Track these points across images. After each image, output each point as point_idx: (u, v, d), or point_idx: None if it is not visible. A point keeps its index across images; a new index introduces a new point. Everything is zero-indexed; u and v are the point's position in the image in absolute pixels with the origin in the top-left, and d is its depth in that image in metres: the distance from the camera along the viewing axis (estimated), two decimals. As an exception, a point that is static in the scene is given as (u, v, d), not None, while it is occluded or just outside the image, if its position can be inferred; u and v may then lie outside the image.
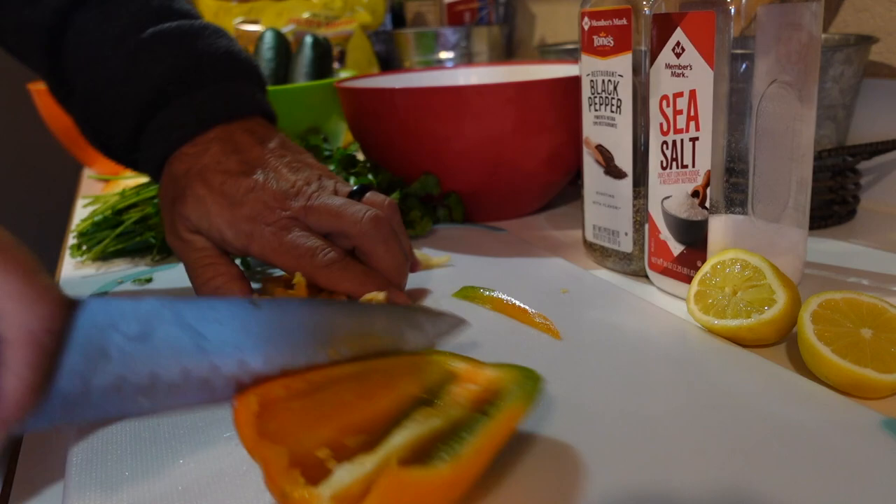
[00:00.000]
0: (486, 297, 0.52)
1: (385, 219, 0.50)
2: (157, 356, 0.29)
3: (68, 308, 0.28)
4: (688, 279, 0.51)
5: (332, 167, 0.75)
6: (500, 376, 0.34)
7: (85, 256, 0.68)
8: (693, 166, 0.49)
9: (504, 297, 0.52)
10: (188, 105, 0.51)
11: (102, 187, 0.98)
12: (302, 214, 0.48)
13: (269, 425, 0.30)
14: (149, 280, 0.61)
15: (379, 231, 0.49)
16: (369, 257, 0.49)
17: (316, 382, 0.33)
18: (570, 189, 0.81)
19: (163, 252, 0.67)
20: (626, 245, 0.57)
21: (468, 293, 0.53)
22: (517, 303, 0.51)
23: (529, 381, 0.34)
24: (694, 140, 0.48)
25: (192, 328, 0.29)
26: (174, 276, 0.61)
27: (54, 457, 0.39)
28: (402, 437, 0.31)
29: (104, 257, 0.68)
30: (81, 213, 0.85)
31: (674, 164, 0.50)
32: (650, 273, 0.55)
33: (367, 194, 0.52)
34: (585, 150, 0.59)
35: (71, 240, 0.73)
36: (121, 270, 0.64)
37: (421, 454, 0.30)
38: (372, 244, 0.49)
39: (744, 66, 0.46)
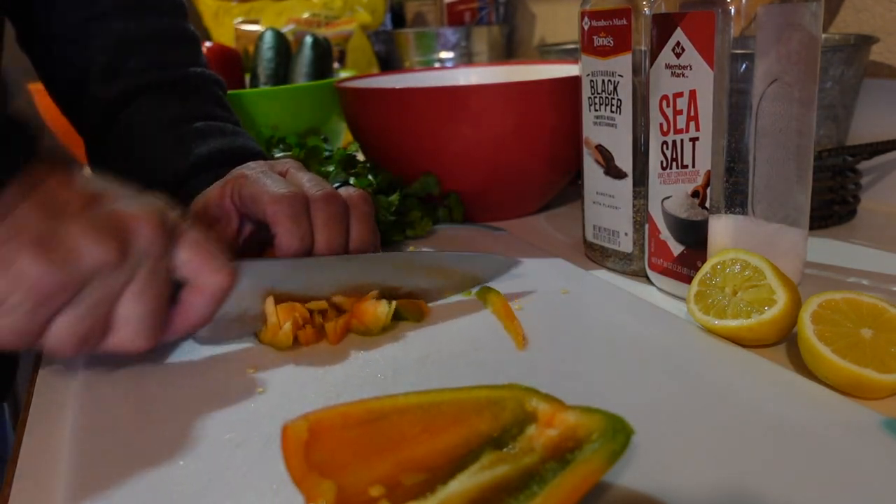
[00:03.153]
0: (493, 298, 0.52)
1: (300, 196, 0.49)
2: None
3: (234, 275, 0.44)
4: (688, 279, 0.51)
5: (331, 167, 0.75)
6: (583, 423, 0.31)
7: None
8: (693, 166, 0.49)
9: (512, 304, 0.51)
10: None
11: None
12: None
13: (320, 455, 0.28)
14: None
15: (290, 207, 0.49)
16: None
17: (376, 411, 0.30)
18: (570, 189, 0.81)
19: None
20: (626, 245, 0.57)
21: (482, 294, 0.53)
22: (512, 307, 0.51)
23: (617, 434, 0.30)
24: (694, 140, 0.48)
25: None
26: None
27: (54, 460, 0.39)
28: (464, 483, 0.28)
29: None
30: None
31: (674, 164, 0.50)
32: (650, 273, 0.55)
33: (342, 188, 0.54)
34: (585, 150, 0.59)
35: None
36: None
37: None
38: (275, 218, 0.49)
39: (744, 66, 0.46)
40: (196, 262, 0.42)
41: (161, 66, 0.64)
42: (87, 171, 0.67)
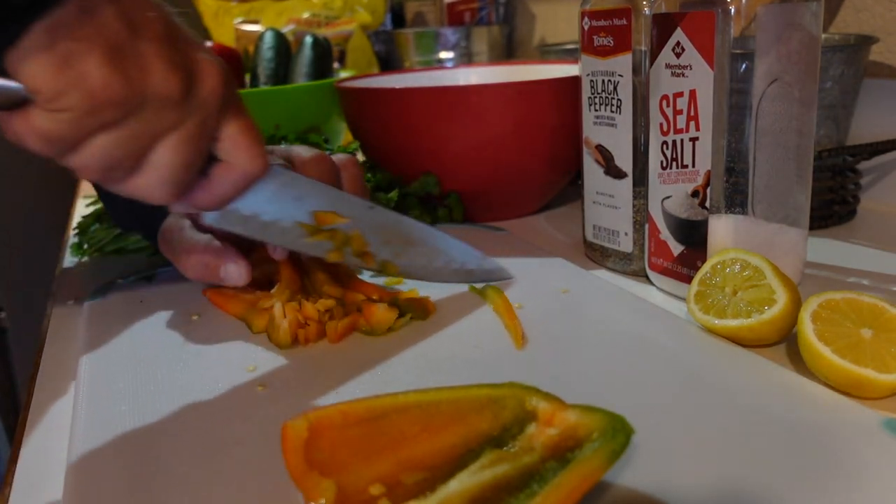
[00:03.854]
0: (494, 296, 0.52)
1: (289, 164, 0.50)
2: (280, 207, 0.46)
3: (266, 166, 0.43)
4: (688, 279, 0.51)
5: None
6: (583, 422, 0.31)
7: (86, 256, 0.68)
8: (693, 166, 0.49)
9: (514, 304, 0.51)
10: None
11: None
12: None
13: (320, 454, 0.28)
14: (150, 278, 0.61)
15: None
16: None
17: (376, 410, 0.30)
18: (570, 189, 0.81)
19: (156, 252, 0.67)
20: (626, 245, 0.57)
21: (485, 292, 0.53)
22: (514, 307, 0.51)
23: (617, 434, 0.30)
24: (694, 140, 0.48)
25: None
26: (175, 273, 0.61)
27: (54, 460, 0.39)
28: (464, 482, 0.28)
29: (104, 254, 0.68)
30: (83, 211, 0.85)
31: (674, 164, 0.50)
32: (650, 273, 0.55)
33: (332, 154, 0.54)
34: (585, 150, 0.59)
35: (72, 237, 0.73)
36: (121, 266, 0.64)
37: None
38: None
39: (744, 66, 0.46)
40: (239, 139, 0.42)
41: None
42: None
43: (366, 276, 0.55)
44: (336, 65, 1.26)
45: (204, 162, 0.41)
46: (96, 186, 0.66)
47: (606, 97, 0.55)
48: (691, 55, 0.47)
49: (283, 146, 0.54)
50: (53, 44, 0.32)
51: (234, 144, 0.41)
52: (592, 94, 0.57)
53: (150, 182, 0.39)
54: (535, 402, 0.32)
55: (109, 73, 0.34)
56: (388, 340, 0.47)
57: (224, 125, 0.41)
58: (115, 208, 0.62)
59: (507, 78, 0.86)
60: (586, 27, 0.56)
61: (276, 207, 0.46)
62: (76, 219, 0.84)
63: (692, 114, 0.48)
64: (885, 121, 0.72)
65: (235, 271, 0.50)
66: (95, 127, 0.35)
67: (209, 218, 0.46)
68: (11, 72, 0.33)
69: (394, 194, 0.68)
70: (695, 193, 0.49)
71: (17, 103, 0.33)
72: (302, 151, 0.52)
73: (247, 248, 0.53)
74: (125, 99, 0.35)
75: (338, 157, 0.54)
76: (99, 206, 0.74)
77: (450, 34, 1.32)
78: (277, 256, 0.51)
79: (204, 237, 0.52)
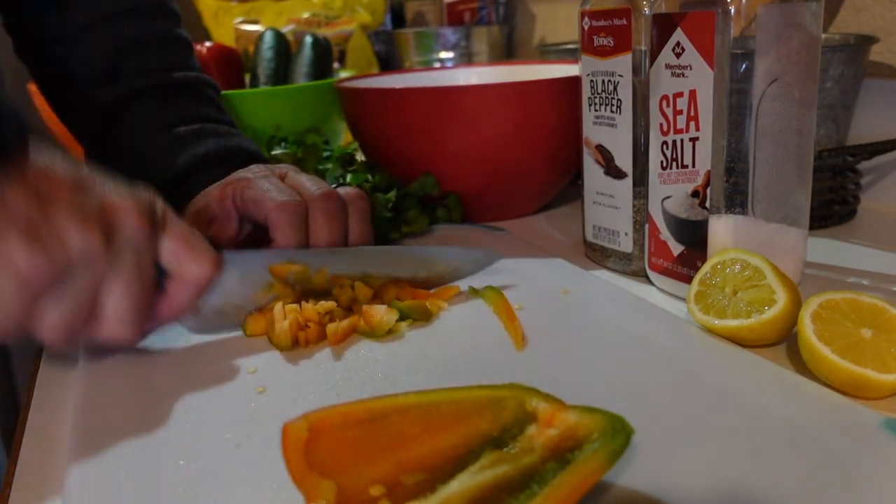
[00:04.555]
0: (494, 297, 0.52)
1: (301, 205, 0.51)
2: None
3: (218, 266, 0.45)
4: (688, 279, 0.51)
5: (329, 165, 0.76)
6: (583, 423, 0.31)
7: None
8: (693, 166, 0.49)
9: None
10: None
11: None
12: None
13: (320, 455, 0.28)
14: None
15: (291, 216, 0.51)
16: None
17: (377, 411, 0.30)
18: (570, 189, 0.81)
19: None
20: (626, 245, 0.57)
21: (484, 293, 0.53)
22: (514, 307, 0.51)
23: (617, 434, 0.30)
24: (694, 140, 0.48)
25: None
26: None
27: (54, 462, 0.39)
28: (465, 483, 0.28)
29: None
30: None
31: (674, 164, 0.50)
32: (650, 273, 0.55)
33: (340, 187, 0.55)
34: (585, 150, 0.59)
35: None
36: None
37: None
38: (275, 225, 0.51)
39: (744, 66, 0.46)
40: (180, 252, 0.43)
41: (156, 71, 0.65)
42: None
43: None
44: (336, 65, 1.27)
45: (155, 281, 0.43)
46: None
47: (606, 97, 0.55)
48: (691, 55, 0.47)
49: (292, 174, 0.55)
50: None
51: (176, 258, 0.43)
52: (592, 94, 0.57)
53: (112, 325, 0.41)
54: (535, 402, 0.32)
55: (30, 252, 0.36)
56: (388, 342, 0.47)
57: (160, 245, 0.43)
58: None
59: (507, 78, 0.86)
60: (586, 27, 0.56)
61: (244, 289, 0.49)
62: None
63: (692, 114, 0.48)
64: (885, 121, 0.72)
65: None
66: (36, 299, 0.37)
67: (191, 326, 0.49)
68: None
69: (391, 194, 0.68)
70: (695, 193, 0.49)
71: None
72: (311, 186, 0.53)
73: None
74: (52, 270, 0.37)
75: (346, 192, 0.55)
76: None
77: (450, 34, 1.32)
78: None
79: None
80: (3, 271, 0.36)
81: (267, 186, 0.53)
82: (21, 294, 0.36)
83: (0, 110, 0.40)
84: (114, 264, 0.39)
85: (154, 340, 0.49)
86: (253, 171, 0.55)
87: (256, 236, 0.55)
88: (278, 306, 0.48)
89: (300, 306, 0.49)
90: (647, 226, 0.54)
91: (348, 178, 0.72)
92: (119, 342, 0.42)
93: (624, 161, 0.55)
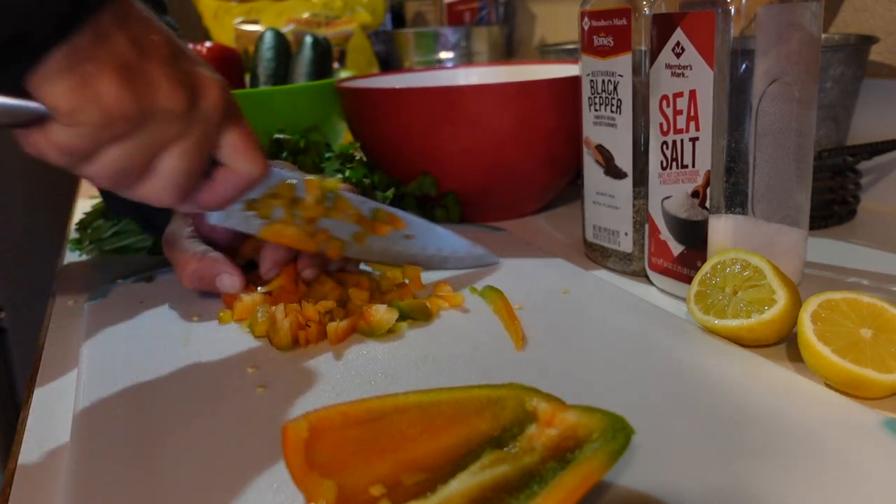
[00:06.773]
0: (495, 297, 0.52)
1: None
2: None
3: (266, 172, 0.47)
4: (688, 279, 0.51)
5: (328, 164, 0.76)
6: (583, 423, 0.31)
7: (86, 255, 0.68)
8: (693, 166, 0.49)
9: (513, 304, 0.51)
10: None
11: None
12: None
13: (320, 455, 0.28)
14: (150, 279, 0.61)
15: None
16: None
17: (377, 410, 0.30)
18: (570, 189, 0.81)
19: (155, 251, 0.67)
20: (626, 245, 0.57)
21: (485, 293, 0.53)
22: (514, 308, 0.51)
23: (617, 434, 0.30)
24: (694, 140, 0.48)
25: None
26: (175, 274, 0.61)
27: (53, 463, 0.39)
28: (465, 482, 0.28)
29: (103, 254, 0.68)
30: (85, 208, 0.85)
31: (674, 164, 0.50)
32: (650, 273, 0.55)
33: None
34: (585, 150, 0.59)
35: (73, 233, 0.73)
36: (121, 266, 0.64)
37: None
38: None
39: (744, 66, 0.46)
40: (240, 146, 0.45)
41: None
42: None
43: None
44: (336, 65, 1.26)
45: (207, 166, 0.45)
46: None
47: (606, 97, 0.55)
48: (691, 55, 0.47)
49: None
50: (72, 67, 0.36)
51: (234, 150, 0.45)
52: (592, 94, 0.57)
53: (157, 187, 0.42)
54: (535, 402, 0.32)
55: (121, 91, 0.38)
56: (388, 342, 0.47)
57: (225, 133, 0.44)
58: (109, 192, 0.65)
59: (507, 78, 0.86)
60: (586, 27, 0.56)
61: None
62: (77, 216, 0.84)
63: (692, 114, 0.48)
64: (885, 121, 0.72)
65: (229, 281, 0.53)
66: (108, 139, 0.39)
67: (213, 217, 0.50)
68: (33, 92, 0.36)
69: (389, 193, 0.68)
70: (695, 193, 0.49)
71: (38, 121, 0.37)
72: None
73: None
74: (135, 113, 0.38)
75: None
76: (100, 202, 0.74)
77: (450, 34, 1.32)
78: (267, 276, 0.54)
79: (200, 248, 0.54)
80: (91, 103, 0.37)
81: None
82: (99, 129, 0.38)
83: None
84: (186, 130, 0.41)
85: (154, 339, 0.49)
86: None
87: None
88: (279, 306, 0.48)
89: (300, 306, 0.49)
90: (647, 226, 0.54)
91: (347, 173, 0.72)
92: (154, 202, 0.43)
93: (624, 161, 0.55)
